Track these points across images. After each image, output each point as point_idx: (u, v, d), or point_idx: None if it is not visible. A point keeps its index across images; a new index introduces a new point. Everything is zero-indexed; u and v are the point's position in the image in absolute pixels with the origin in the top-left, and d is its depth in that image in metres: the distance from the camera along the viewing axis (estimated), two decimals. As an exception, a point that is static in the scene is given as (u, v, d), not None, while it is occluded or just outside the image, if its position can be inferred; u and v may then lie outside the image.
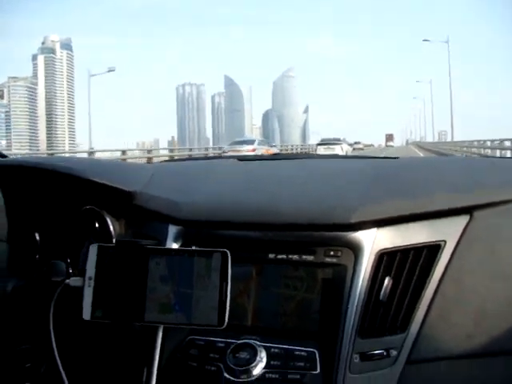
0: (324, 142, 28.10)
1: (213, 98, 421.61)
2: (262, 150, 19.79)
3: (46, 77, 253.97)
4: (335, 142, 28.12)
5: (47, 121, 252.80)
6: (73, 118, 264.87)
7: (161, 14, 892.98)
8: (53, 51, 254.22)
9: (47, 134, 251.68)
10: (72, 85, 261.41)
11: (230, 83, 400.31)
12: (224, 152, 19.76)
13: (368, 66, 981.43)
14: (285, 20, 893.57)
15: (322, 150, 25.64)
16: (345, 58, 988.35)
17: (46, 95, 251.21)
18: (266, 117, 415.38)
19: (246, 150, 18.77)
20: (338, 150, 25.44)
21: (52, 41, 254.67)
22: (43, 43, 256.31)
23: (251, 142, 21.44)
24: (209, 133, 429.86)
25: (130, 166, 1.37)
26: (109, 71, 30.76)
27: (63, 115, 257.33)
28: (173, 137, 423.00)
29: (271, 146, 24.86)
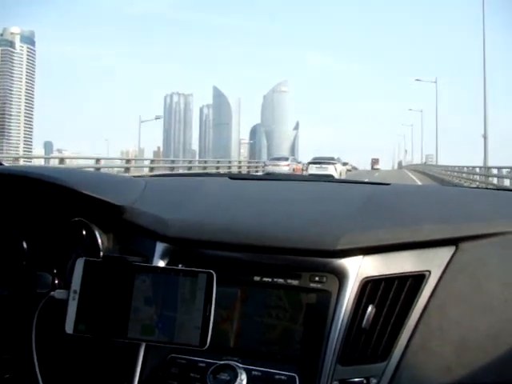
0: (316, 161, 26.20)
1: (201, 109, 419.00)
2: (293, 166, 27.70)
3: (0, 71, 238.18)
4: (328, 161, 26.09)
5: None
6: (30, 119, 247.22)
7: (153, 23, 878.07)
8: (11, 44, 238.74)
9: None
10: (32, 83, 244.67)
11: (218, 94, 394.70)
12: (266, 165, 28.08)
13: (362, 89, 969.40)
14: (279, 34, 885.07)
15: (313, 170, 24.24)
16: (340, 77, 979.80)
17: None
18: (254, 132, 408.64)
19: (283, 165, 26.54)
20: (331, 170, 23.81)
21: (12, 33, 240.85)
22: (1, 35, 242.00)
23: (285, 158, 29.12)
24: (194, 145, 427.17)
25: (122, 180, 1.39)
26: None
27: (19, 116, 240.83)
28: (159, 147, 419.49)
29: (298, 163, 30.20)
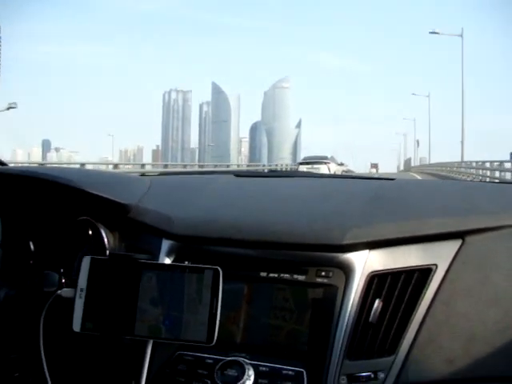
0: (307, 161, 25.12)
1: (200, 106, 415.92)
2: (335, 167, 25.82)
3: None
4: (321, 160, 24.94)
5: None
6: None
7: (153, 21, 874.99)
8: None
9: None
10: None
11: (217, 91, 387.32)
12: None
13: (366, 89, 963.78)
14: (281, 31, 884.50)
15: (304, 170, 22.53)
16: (344, 74, 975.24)
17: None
18: (254, 129, 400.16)
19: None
20: (323, 170, 22.49)
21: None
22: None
23: (325, 157, 26.78)
24: (193, 144, 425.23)
25: (127, 178, 1.43)
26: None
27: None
28: (158, 146, 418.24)
29: (339, 164, 28.57)
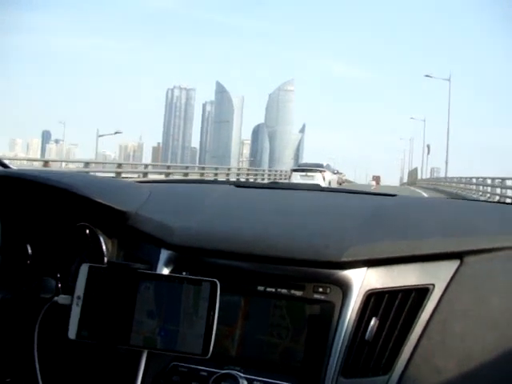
0: (301, 168, 23.97)
1: (204, 106, 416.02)
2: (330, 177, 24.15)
3: None
4: (315, 168, 23.34)
5: None
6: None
7: (161, 20, 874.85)
8: None
9: None
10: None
11: (220, 90, 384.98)
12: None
13: (375, 95, 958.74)
14: (289, 35, 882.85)
15: (297, 178, 21.93)
16: (353, 82, 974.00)
17: None
18: (257, 132, 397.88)
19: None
20: (318, 178, 21.37)
21: None
22: None
23: (320, 165, 24.97)
24: (194, 143, 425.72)
25: (127, 185, 1.44)
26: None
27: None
28: (158, 143, 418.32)
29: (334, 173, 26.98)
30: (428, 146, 56.86)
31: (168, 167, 24.56)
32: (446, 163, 37.46)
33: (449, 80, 38.07)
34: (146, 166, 24.30)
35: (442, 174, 41.84)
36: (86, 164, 18.67)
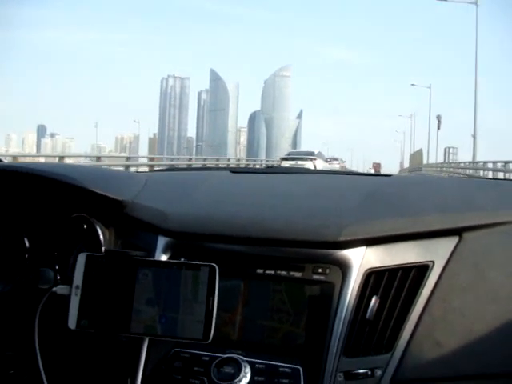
0: (291, 156, 23.67)
1: (199, 94, 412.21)
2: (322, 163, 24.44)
3: None
4: (306, 156, 23.16)
5: None
6: None
7: (153, 8, 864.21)
8: None
9: None
10: None
11: (215, 78, 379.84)
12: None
13: (368, 83, 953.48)
14: (283, 21, 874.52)
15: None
16: (347, 66, 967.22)
17: None
18: (253, 119, 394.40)
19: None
20: (308, 167, 17.74)
21: None
22: None
23: (311, 153, 24.87)
24: (190, 133, 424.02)
25: (123, 175, 1.43)
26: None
27: None
28: (154, 134, 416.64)
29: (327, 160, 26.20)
30: (438, 118, 42.14)
31: (172, 159, 25.61)
32: (474, 138, 23.32)
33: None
34: (152, 158, 24.46)
35: (460, 157, 30.14)
36: (98, 158, 18.93)
